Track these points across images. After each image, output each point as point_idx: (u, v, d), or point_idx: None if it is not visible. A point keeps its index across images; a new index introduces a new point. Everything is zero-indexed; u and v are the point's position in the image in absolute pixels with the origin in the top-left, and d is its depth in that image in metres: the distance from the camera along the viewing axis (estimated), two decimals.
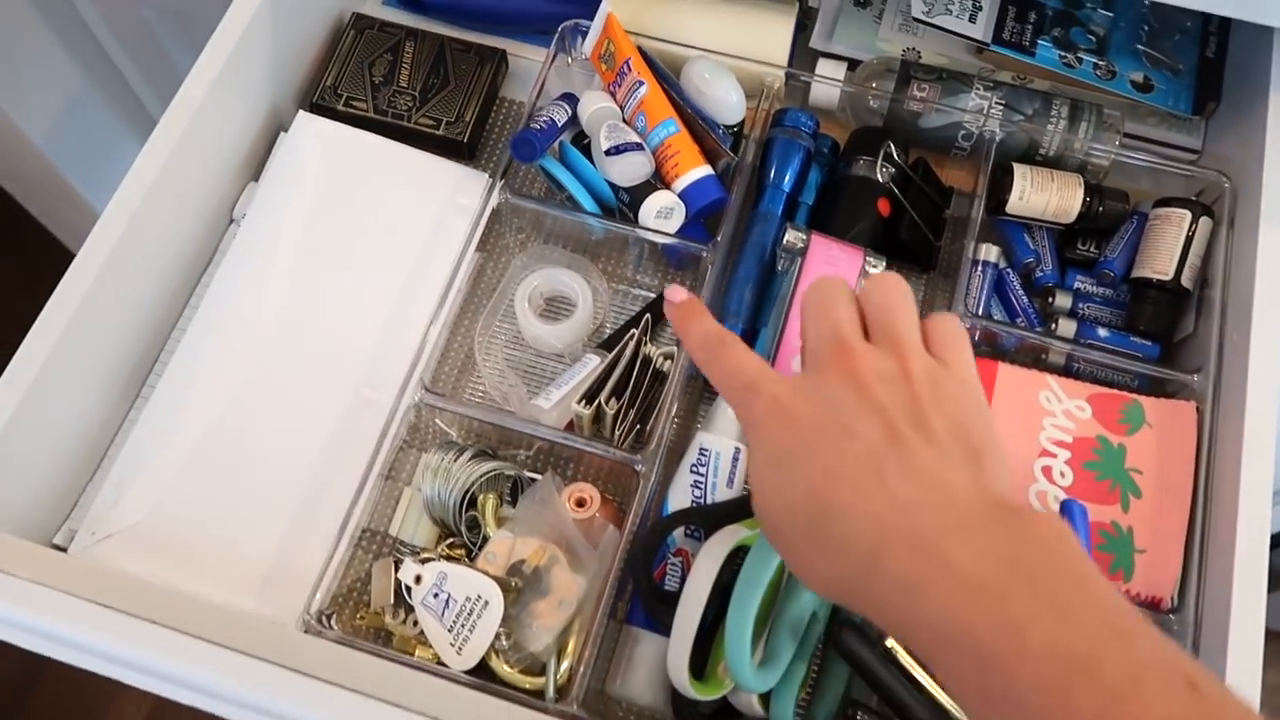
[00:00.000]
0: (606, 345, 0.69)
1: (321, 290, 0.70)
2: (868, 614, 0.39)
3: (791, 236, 0.66)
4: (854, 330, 0.43)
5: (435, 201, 0.72)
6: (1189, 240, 0.66)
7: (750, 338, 0.68)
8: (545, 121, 0.69)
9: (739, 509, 0.61)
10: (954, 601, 0.35)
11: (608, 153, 0.67)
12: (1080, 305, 0.69)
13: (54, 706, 1.53)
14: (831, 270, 0.66)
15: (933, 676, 0.54)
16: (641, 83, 0.69)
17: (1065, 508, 0.56)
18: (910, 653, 0.55)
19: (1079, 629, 0.33)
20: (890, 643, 0.55)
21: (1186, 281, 0.66)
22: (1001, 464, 0.40)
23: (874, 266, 0.66)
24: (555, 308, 0.72)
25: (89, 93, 1.23)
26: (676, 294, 0.48)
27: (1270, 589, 0.54)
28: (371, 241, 0.71)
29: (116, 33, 1.12)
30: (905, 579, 0.36)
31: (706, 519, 0.60)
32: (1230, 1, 0.61)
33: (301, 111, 0.74)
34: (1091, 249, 0.71)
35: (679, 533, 0.61)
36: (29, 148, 1.19)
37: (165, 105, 1.25)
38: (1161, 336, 0.67)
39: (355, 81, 0.76)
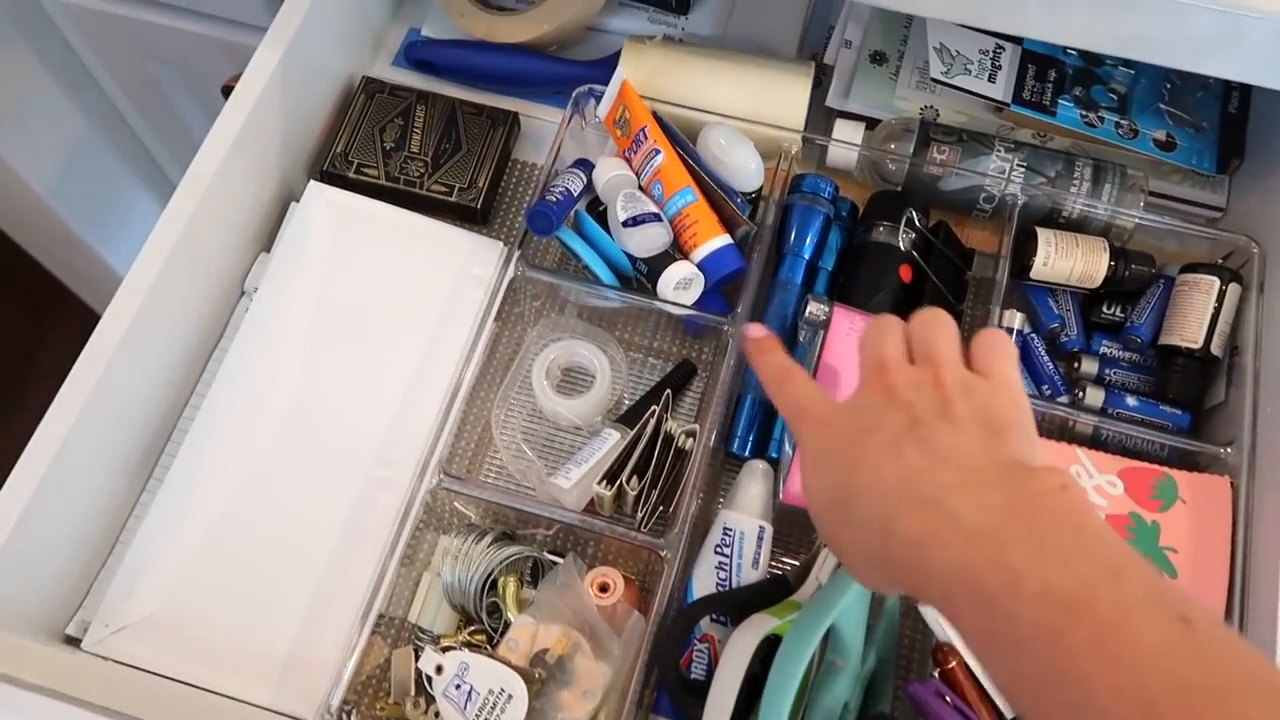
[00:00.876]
0: (625, 419, 0.67)
1: (335, 365, 0.69)
2: (892, 582, 0.41)
3: (814, 309, 0.65)
4: (896, 355, 0.45)
5: (449, 271, 0.71)
6: (1218, 307, 0.65)
7: (771, 409, 0.67)
8: (561, 193, 0.68)
9: (766, 593, 0.60)
10: (958, 552, 0.37)
11: (625, 224, 0.66)
12: (1107, 371, 0.68)
13: None
14: (854, 345, 0.65)
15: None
16: (658, 151, 0.68)
17: None
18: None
19: (1073, 570, 0.35)
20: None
21: (1216, 349, 0.65)
22: (1027, 439, 0.42)
23: None
24: (573, 379, 0.71)
25: (93, 140, 1.22)
26: (753, 330, 0.53)
27: None
28: (385, 313, 0.70)
29: (121, 84, 1.12)
30: (914, 536, 0.38)
31: (733, 605, 0.59)
32: (1255, 69, 0.60)
33: (312, 182, 0.73)
34: (1118, 313, 0.69)
35: (705, 619, 0.60)
36: (31, 196, 1.19)
37: (171, 152, 1.25)
38: (1191, 405, 0.66)
39: (366, 148, 0.75)
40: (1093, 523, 0.37)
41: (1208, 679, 0.31)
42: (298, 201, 0.73)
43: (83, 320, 1.69)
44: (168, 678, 0.58)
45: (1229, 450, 0.61)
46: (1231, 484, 0.61)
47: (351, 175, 0.74)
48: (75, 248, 1.32)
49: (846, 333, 0.65)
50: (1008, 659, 0.35)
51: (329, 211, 0.72)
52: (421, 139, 0.76)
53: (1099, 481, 0.61)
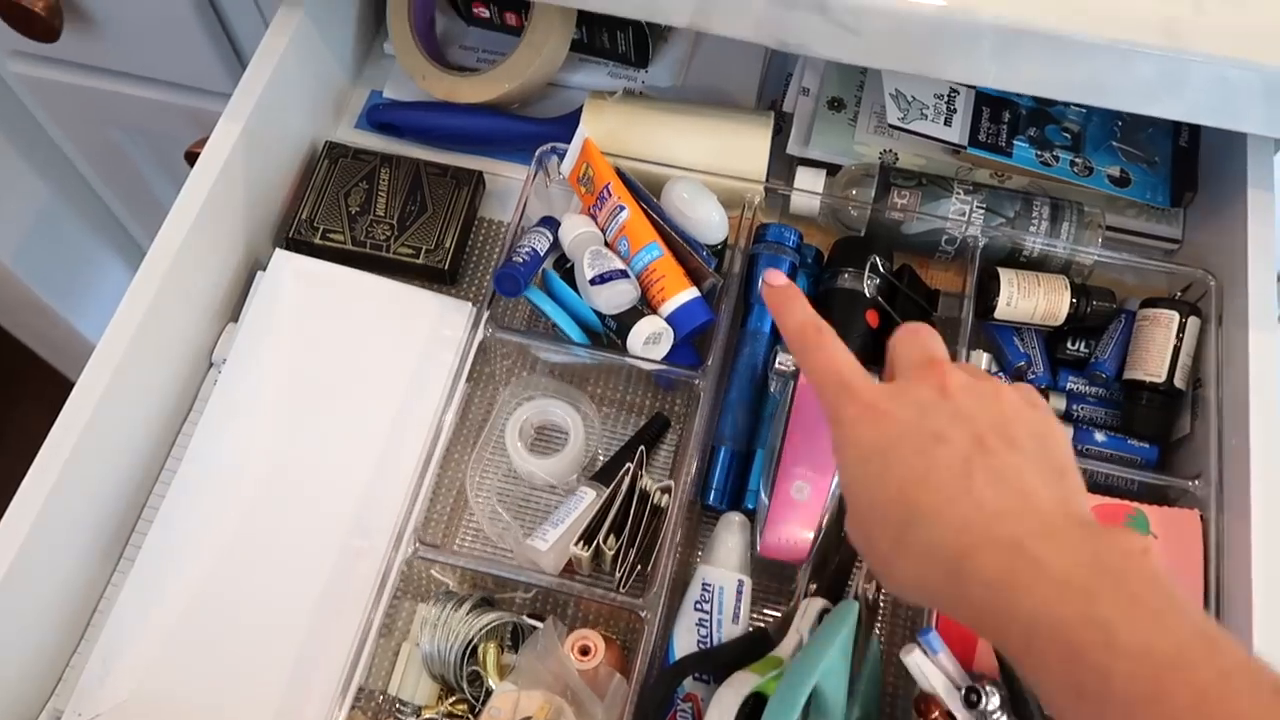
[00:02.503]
0: (600, 477, 0.67)
1: (307, 434, 0.68)
2: (954, 615, 0.40)
3: (783, 359, 0.66)
4: (944, 353, 0.46)
5: (419, 334, 0.71)
6: (1179, 340, 0.66)
7: (746, 460, 0.67)
8: (527, 253, 0.68)
9: (747, 650, 0.60)
10: (1045, 599, 0.36)
11: (592, 281, 0.67)
12: (1074, 406, 0.69)
13: None
14: None
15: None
16: (622, 207, 0.69)
17: None
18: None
19: (1168, 630, 0.34)
20: None
21: (1179, 382, 0.65)
22: (1082, 488, 0.42)
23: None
24: (547, 437, 0.71)
25: (58, 206, 1.22)
26: (775, 278, 0.51)
27: None
28: (355, 379, 0.70)
29: (84, 152, 1.11)
30: (996, 579, 0.37)
31: (716, 663, 0.59)
32: (1205, 111, 0.61)
33: (278, 250, 0.73)
34: (1082, 348, 0.70)
35: (687, 678, 0.60)
36: None
37: (138, 217, 1.24)
38: (1158, 438, 0.67)
39: (331, 212, 0.75)
40: (1178, 589, 0.36)
41: None
42: (264, 270, 0.73)
43: (52, 386, 1.68)
44: None
45: (1197, 483, 0.62)
46: (1201, 516, 0.61)
47: (318, 241, 0.74)
48: (43, 315, 1.31)
49: None
50: (1096, 711, 0.34)
51: (295, 279, 0.72)
52: (387, 201, 0.76)
53: None
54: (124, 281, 0.64)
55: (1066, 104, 0.76)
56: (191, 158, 0.96)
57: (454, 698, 0.61)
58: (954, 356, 0.66)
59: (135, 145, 1.07)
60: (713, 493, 0.67)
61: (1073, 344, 0.71)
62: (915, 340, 0.47)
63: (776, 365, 0.67)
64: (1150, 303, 0.67)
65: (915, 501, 0.40)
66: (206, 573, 0.64)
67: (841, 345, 0.47)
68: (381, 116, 0.81)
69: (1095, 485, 0.65)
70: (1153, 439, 0.66)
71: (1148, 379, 0.66)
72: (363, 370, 0.70)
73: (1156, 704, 0.33)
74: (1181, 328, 0.66)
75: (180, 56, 0.89)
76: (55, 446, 0.60)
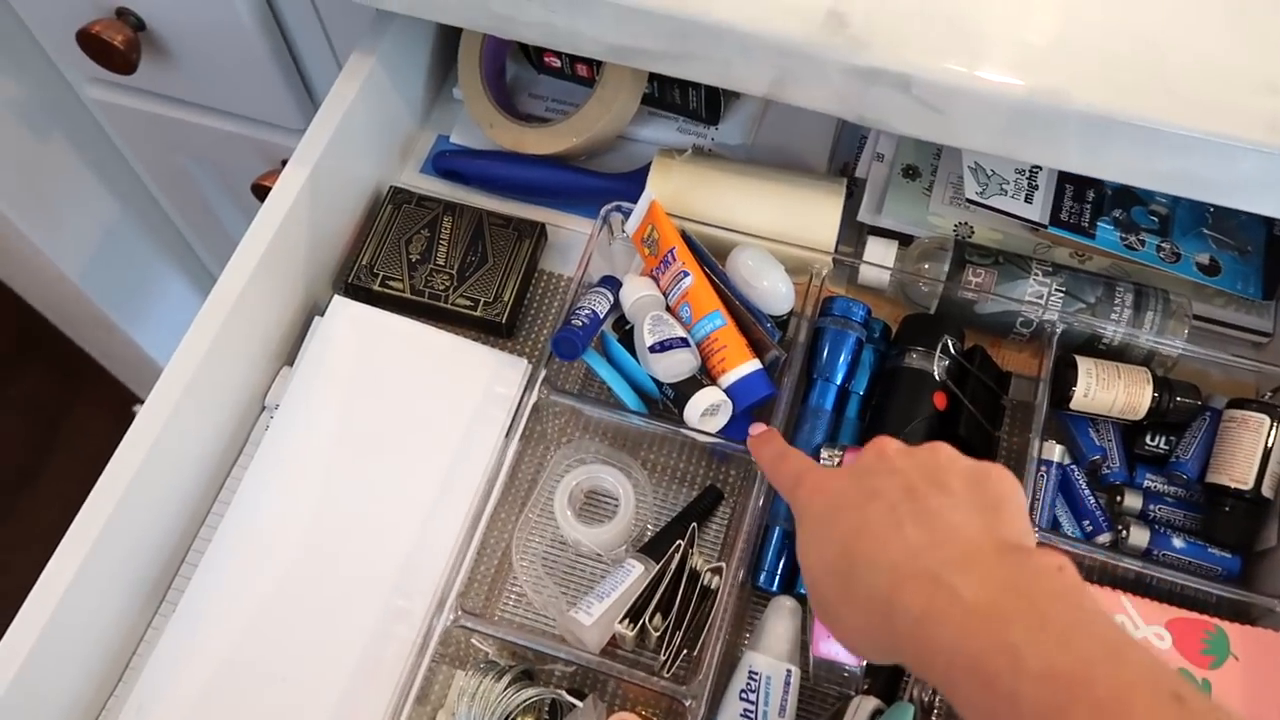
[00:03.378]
0: (649, 550, 0.65)
1: (354, 486, 0.67)
2: (891, 655, 0.41)
3: (826, 455, 0.64)
4: (897, 442, 0.48)
5: (472, 389, 0.70)
6: (1269, 446, 0.62)
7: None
8: (587, 315, 0.67)
9: None
10: (961, 629, 0.37)
11: (652, 349, 0.65)
12: (1151, 506, 0.66)
13: None
14: None
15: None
16: (686, 273, 0.67)
17: None
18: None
19: (1073, 650, 0.35)
20: None
21: (1267, 491, 0.62)
22: (1021, 517, 0.43)
23: None
24: (596, 503, 0.69)
25: (127, 225, 1.23)
26: (756, 428, 0.59)
27: None
28: (406, 432, 0.69)
29: (154, 176, 1.13)
30: (918, 612, 0.39)
31: None
32: None
33: (336, 296, 0.72)
34: (1162, 444, 0.67)
35: None
36: (66, 283, 1.20)
37: (204, 238, 1.25)
38: (1241, 548, 0.63)
39: (392, 259, 0.75)
40: (1089, 603, 0.38)
41: None
42: (321, 315, 0.72)
43: (112, 391, 1.70)
44: None
45: None
46: None
47: (376, 288, 0.74)
48: (105, 329, 1.33)
49: None
50: None
51: (352, 327, 0.72)
52: (448, 251, 0.75)
53: (1145, 633, 0.58)
54: (186, 299, 0.64)
55: None
56: (258, 190, 0.97)
57: None
58: (1026, 445, 0.64)
59: (203, 173, 1.08)
60: (764, 574, 0.64)
61: (1152, 439, 0.67)
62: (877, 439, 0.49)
63: (822, 458, 0.65)
64: (1238, 404, 0.64)
65: (855, 552, 0.42)
66: (244, 626, 0.63)
67: (803, 457, 0.52)
68: (447, 164, 0.80)
69: (1171, 596, 0.62)
70: (1235, 549, 0.63)
71: (1233, 485, 0.62)
72: (414, 422, 0.69)
73: None
74: (1272, 432, 0.62)
75: (253, 92, 0.90)
76: (108, 486, 0.60)
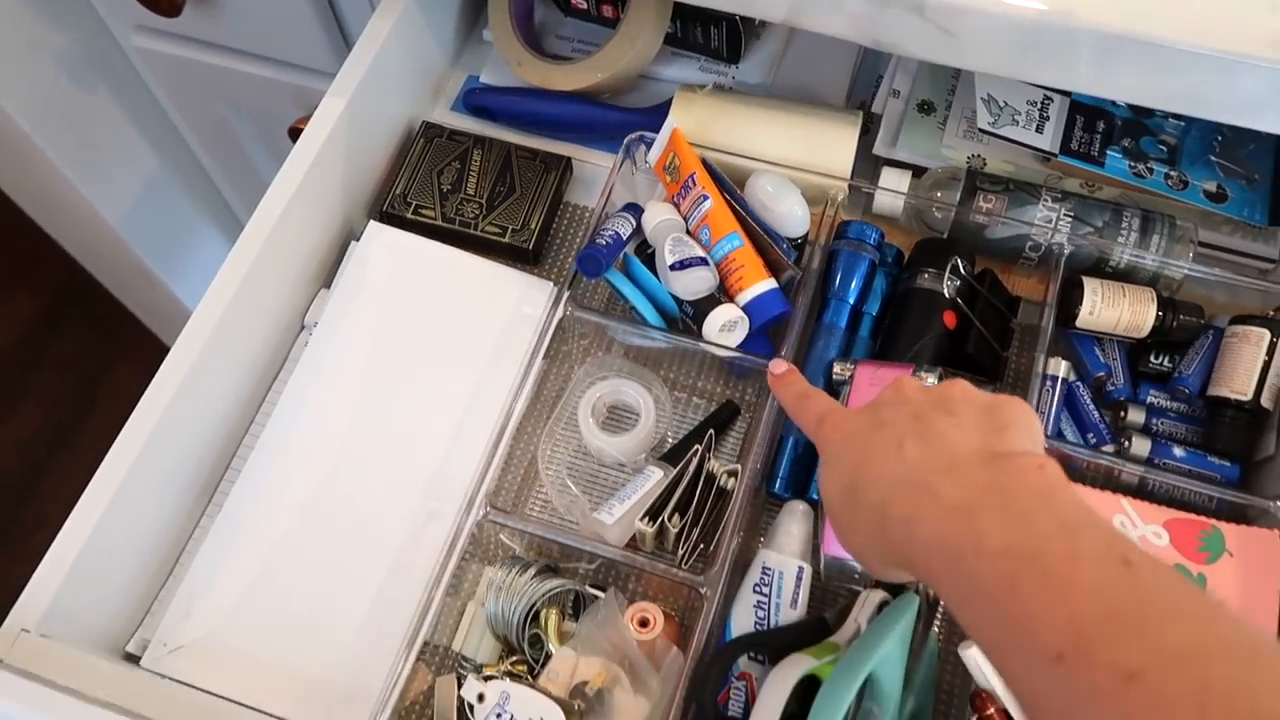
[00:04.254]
0: (669, 458, 0.68)
1: (389, 399, 0.71)
2: (889, 561, 0.44)
3: (838, 369, 0.67)
4: (917, 379, 0.51)
5: (501, 310, 0.73)
6: (1268, 359, 0.64)
7: (813, 451, 0.68)
8: (610, 236, 0.70)
9: (804, 634, 0.60)
10: (939, 524, 0.40)
11: (672, 267, 0.68)
12: (1154, 420, 0.68)
13: None
14: (878, 391, 0.65)
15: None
16: (706, 197, 0.70)
17: None
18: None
19: (1031, 530, 0.38)
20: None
21: (1266, 401, 0.64)
22: (1025, 437, 0.44)
23: (925, 379, 0.64)
24: (618, 417, 0.72)
25: (166, 177, 1.28)
26: (778, 366, 0.59)
27: None
28: (438, 349, 0.73)
29: (194, 125, 1.17)
30: (905, 515, 0.42)
31: (772, 645, 0.60)
32: None
33: (372, 222, 0.76)
34: (1165, 363, 0.69)
35: (743, 656, 0.60)
36: (107, 229, 1.24)
37: (239, 191, 1.30)
38: (1240, 457, 0.65)
39: (424, 189, 0.78)
40: (1060, 492, 0.40)
41: (1136, 608, 0.34)
42: (358, 240, 0.76)
43: (149, 350, 1.75)
44: (221, 697, 0.60)
45: (1278, 504, 0.61)
46: None
47: (409, 216, 0.77)
48: (145, 279, 1.38)
49: (869, 384, 0.66)
50: (971, 609, 0.38)
51: (387, 251, 0.75)
52: (477, 182, 0.79)
53: (1144, 532, 0.61)
54: (221, 251, 0.68)
55: (1164, 115, 0.75)
56: (295, 133, 1.00)
57: (514, 658, 0.63)
58: (1032, 364, 0.67)
59: (241, 120, 1.12)
60: (778, 481, 0.67)
61: (1156, 358, 0.69)
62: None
63: (834, 375, 0.67)
64: (1241, 319, 0.66)
65: (860, 475, 0.45)
66: (287, 524, 0.67)
67: (825, 397, 0.54)
68: (477, 100, 0.83)
69: (1172, 500, 0.64)
70: (1234, 458, 0.65)
71: (1233, 396, 0.65)
72: (445, 341, 0.73)
73: (1012, 591, 0.36)
74: (1272, 346, 0.64)
75: (290, 35, 0.93)
76: (155, 396, 0.64)
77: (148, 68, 1.08)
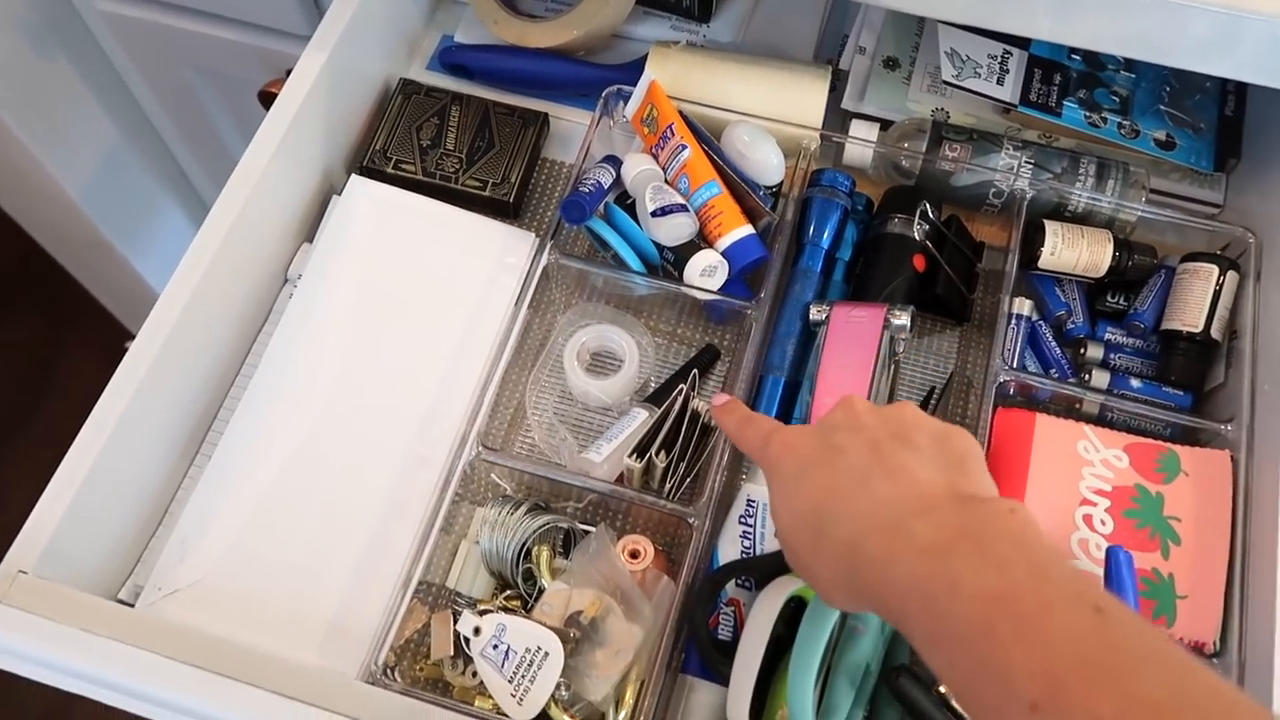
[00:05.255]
0: (653, 399, 0.71)
1: (375, 349, 0.72)
2: (859, 600, 0.44)
3: (814, 311, 0.69)
4: (862, 396, 0.50)
5: (484, 261, 0.75)
6: (1217, 293, 0.68)
7: (792, 390, 0.70)
8: (592, 185, 0.71)
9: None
10: (914, 566, 0.40)
11: (654, 214, 0.70)
12: (1111, 356, 0.72)
13: None
14: (853, 329, 0.68)
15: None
16: (684, 146, 0.72)
17: (1110, 554, 0.58)
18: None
19: (1005, 574, 0.38)
20: (944, 688, 0.56)
21: (1216, 333, 0.68)
22: (982, 472, 0.45)
23: (898, 317, 0.67)
24: (602, 363, 0.74)
25: (126, 150, 1.26)
26: (720, 398, 0.59)
27: None
28: (422, 300, 0.74)
29: (157, 92, 1.16)
30: (879, 557, 0.42)
31: (758, 570, 0.62)
32: (1252, 68, 0.64)
33: (354, 175, 0.76)
34: (1121, 301, 0.73)
35: (731, 583, 0.63)
36: (65, 199, 1.22)
37: (201, 161, 1.29)
38: (1192, 387, 0.69)
39: (403, 145, 0.79)
40: (1031, 535, 0.40)
41: (1109, 655, 0.35)
42: (339, 195, 0.77)
43: (105, 333, 1.73)
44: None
45: (1229, 427, 0.65)
46: (1232, 458, 0.64)
47: (390, 171, 0.78)
48: (104, 254, 1.36)
49: (844, 321, 0.68)
50: (945, 652, 0.39)
51: (369, 204, 0.76)
52: (456, 137, 0.80)
53: (1105, 455, 0.64)
54: (184, 228, 0.68)
55: (1116, 68, 0.78)
56: (264, 97, 1.00)
57: (508, 593, 0.64)
58: (997, 306, 0.70)
59: (207, 87, 1.11)
60: None
61: (1112, 297, 0.73)
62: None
63: (810, 317, 0.70)
64: (1191, 257, 0.70)
65: (825, 509, 0.45)
66: (278, 470, 0.67)
67: (768, 418, 0.54)
68: (453, 58, 0.84)
69: (1130, 428, 0.68)
70: (1187, 387, 0.69)
71: (1185, 329, 0.68)
72: (429, 292, 0.74)
73: (988, 637, 0.37)
74: (1220, 280, 0.68)
75: None
76: (144, 344, 0.64)
77: (111, 33, 1.07)
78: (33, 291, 1.87)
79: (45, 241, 1.41)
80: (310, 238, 0.77)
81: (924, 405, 0.71)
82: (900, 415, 0.48)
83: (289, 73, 0.74)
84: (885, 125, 0.79)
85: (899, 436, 0.46)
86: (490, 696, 0.60)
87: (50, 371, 1.85)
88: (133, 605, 0.64)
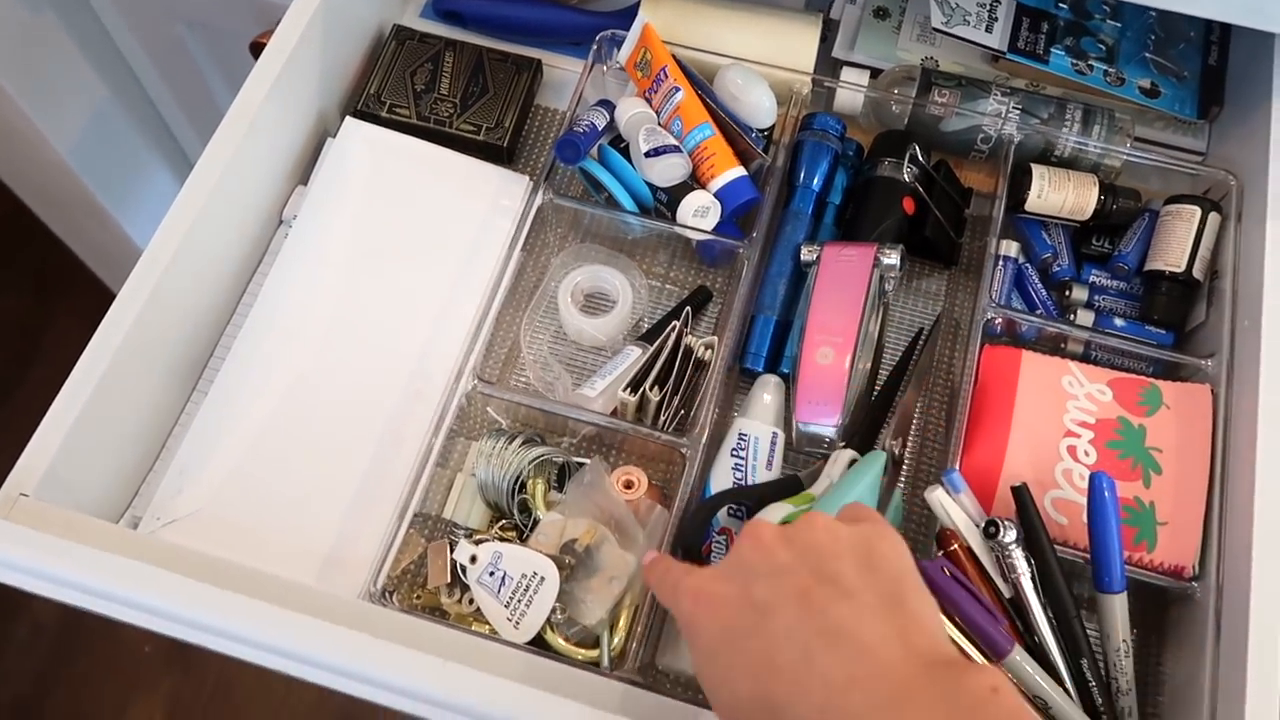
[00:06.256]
0: (646, 338, 0.71)
1: (370, 289, 0.72)
2: None
3: (805, 252, 0.70)
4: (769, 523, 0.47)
5: (479, 203, 0.75)
6: (1199, 234, 0.69)
7: (783, 330, 0.71)
8: (586, 126, 0.72)
9: (781, 489, 0.64)
10: None
11: (647, 154, 0.71)
12: (1096, 298, 0.73)
13: (68, 714, 1.54)
14: (843, 268, 0.69)
15: None
16: (678, 89, 0.73)
17: (1094, 481, 0.59)
18: (951, 620, 0.57)
19: None
20: None
21: (1198, 273, 0.69)
22: (921, 593, 0.42)
23: (887, 256, 0.68)
24: (596, 303, 0.75)
25: (114, 110, 1.26)
26: (648, 556, 0.53)
27: None
28: (417, 241, 0.74)
29: (147, 47, 1.15)
30: None
31: (751, 498, 0.63)
32: (1236, 8, 0.65)
33: (349, 117, 0.77)
34: (1106, 244, 0.74)
35: (723, 512, 0.64)
36: (55, 158, 1.22)
37: (191, 120, 1.28)
38: (1175, 325, 0.70)
39: (398, 90, 0.79)
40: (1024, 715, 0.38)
41: None
42: (334, 138, 0.77)
43: (92, 301, 1.72)
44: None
45: (1209, 362, 0.66)
46: (1212, 391, 0.65)
47: (384, 115, 0.78)
48: (92, 214, 1.36)
49: (835, 259, 0.69)
50: None
51: (364, 146, 0.76)
52: (450, 82, 0.80)
53: (1089, 389, 0.66)
54: (173, 193, 0.67)
55: (1102, 17, 0.79)
56: (256, 48, 1.00)
57: (503, 522, 0.65)
58: (984, 250, 0.71)
59: (198, 41, 1.11)
60: (750, 357, 0.71)
61: (1098, 240, 0.74)
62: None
63: (801, 257, 0.71)
64: (1174, 199, 0.71)
65: (771, 695, 0.40)
66: (276, 403, 0.68)
67: (682, 565, 0.49)
68: (447, 4, 0.85)
69: (1113, 366, 0.69)
70: (1169, 326, 0.70)
71: (1167, 269, 0.70)
72: (424, 234, 0.74)
73: None
74: (1203, 222, 0.69)
75: None
76: (139, 280, 0.64)
77: None
78: (18, 258, 1.86)
79: (33, 203, 1.40)
80: (305, 180, 0.77)
81: (911, 349, 0.72)
82: (813, 540, 0.43)
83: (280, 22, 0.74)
84: (875, 74, 0.80)
85: (823, 575, 0.42)
86: (487, 622, 0.61)
87: (37, 340, 1.84)
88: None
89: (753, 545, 0.45)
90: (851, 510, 0.47)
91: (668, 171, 0.71)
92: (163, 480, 0.66)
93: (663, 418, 0.67)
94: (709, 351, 0.68)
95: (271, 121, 0.73)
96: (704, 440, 0.64)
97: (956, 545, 0.59)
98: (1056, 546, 0.60)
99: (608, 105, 0.75)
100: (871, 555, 0.43)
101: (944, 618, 0.55)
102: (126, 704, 1.56)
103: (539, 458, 0.65)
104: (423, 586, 0.64)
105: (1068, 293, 0.73)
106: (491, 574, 0.61)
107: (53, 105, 1.16)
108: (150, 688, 1.56)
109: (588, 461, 0.66)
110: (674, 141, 0.72)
